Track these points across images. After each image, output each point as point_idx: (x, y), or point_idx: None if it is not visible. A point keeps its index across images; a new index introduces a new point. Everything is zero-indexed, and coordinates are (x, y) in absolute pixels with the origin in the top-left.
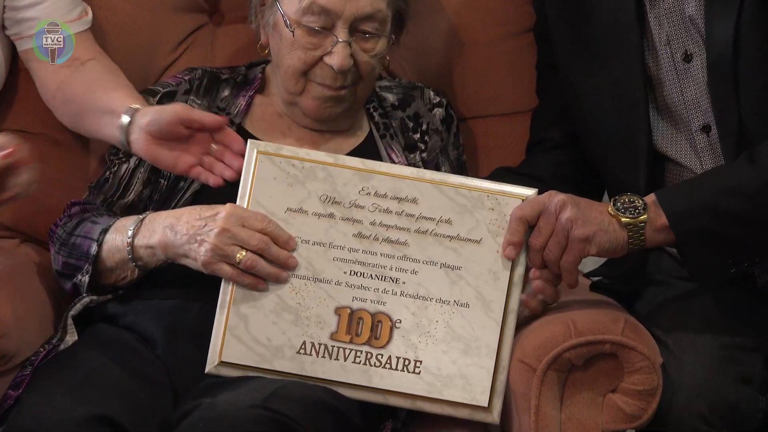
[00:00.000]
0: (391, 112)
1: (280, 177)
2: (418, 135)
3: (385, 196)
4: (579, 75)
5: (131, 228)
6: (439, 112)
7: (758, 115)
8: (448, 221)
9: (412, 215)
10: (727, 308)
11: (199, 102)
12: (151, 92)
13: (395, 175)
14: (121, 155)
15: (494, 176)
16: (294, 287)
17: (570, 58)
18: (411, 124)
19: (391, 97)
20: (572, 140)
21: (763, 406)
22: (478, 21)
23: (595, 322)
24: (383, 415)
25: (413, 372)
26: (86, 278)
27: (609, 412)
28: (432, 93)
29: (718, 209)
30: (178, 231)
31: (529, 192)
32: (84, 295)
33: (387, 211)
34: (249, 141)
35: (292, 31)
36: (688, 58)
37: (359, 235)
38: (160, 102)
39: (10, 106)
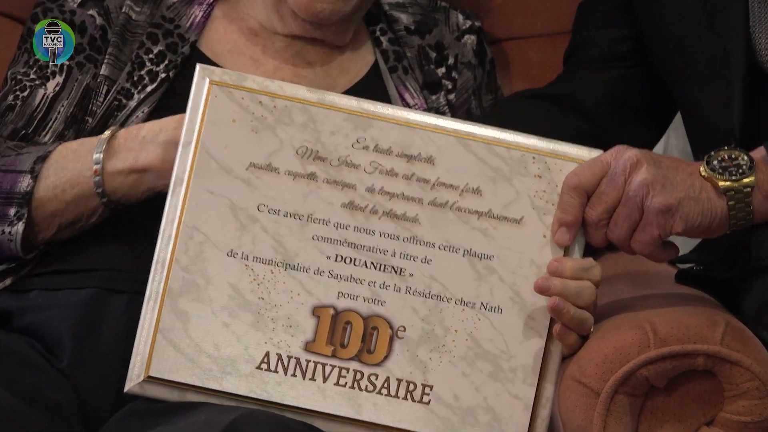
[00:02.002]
0: (406, 38)
1: (242, 119)
2: (443, 69)
3: (389, 151)
4: None
5: (97, 151)
6: (470, 40)
7: None
8: (477, 191)
9: (426, 180)
10: None
11: (137, 9)
12: None
13: (404, 121)
14: (37, 80)
15: (511, 104)
16: (255, 275)
17: None
18: (433, 55)
19: (405, 19)
20: (635, 47)
21: None
22: None
23: (682, 326)
24: None
25: (420, 401)
26: (19, 226)
27: None
28: (461, 16)
29: None
30: None
31: (594, 153)
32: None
33: (391, 173)
34: (198, 66)
35: None
36: None
37: (351, 206)
38: (82, 6)
39: None
